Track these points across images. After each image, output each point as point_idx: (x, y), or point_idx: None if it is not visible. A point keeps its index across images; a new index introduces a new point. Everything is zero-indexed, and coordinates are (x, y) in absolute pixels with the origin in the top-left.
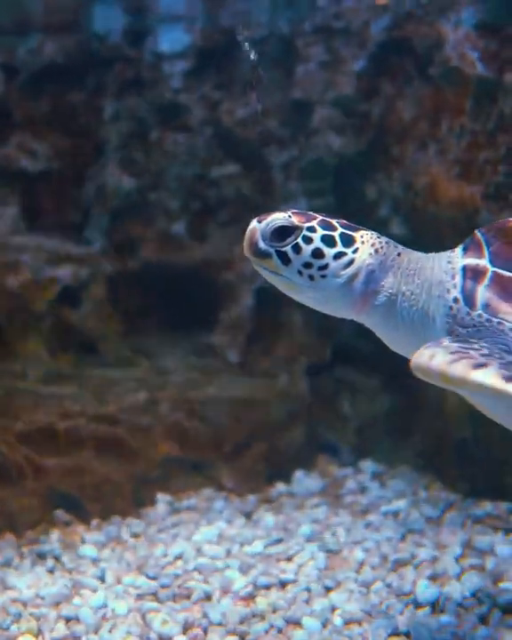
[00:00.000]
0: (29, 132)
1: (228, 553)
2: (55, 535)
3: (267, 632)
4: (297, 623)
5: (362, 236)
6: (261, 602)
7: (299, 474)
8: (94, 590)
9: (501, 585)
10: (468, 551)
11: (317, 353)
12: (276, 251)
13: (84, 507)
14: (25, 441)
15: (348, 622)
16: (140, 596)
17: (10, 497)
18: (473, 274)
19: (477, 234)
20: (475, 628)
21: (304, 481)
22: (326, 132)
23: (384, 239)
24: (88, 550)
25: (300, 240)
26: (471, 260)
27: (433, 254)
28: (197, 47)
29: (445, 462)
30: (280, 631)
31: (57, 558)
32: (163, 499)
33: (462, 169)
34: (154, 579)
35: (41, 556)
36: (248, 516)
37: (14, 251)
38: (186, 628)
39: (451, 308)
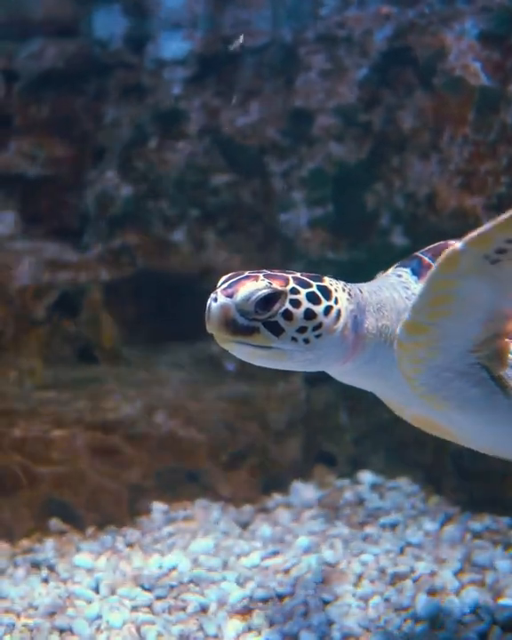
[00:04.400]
0: (29, 138)
1: (225, 564)
2: (50, 544)
3: None
4: (294, 638)
5: (331, 284)
6: (258, 615)
7: (296, 484)
8: (89, 601)
9: (501, 601)
10: (467, 566)
11: None
12: (264, 323)
13: (79, 516)
14: (20, 449)
15: (345, 637)
16: (134, 608)
17: (4, 505)
18: None
19: (425, 258)
20: None
21: (301, 491)
22: (327, 141)
23: (342, 282)
24: (83, 560)
25: (288, 305)
26: None
27: (381, 283)
28: (198, 54)
29: (444, 475)
30: None
31: (51, 568)
32: (158, 508)
33: (464, 180)
34: (149, 590)
35: (35, 566)
36: (244, 526)
37: (13, 256)
38: None
39: None
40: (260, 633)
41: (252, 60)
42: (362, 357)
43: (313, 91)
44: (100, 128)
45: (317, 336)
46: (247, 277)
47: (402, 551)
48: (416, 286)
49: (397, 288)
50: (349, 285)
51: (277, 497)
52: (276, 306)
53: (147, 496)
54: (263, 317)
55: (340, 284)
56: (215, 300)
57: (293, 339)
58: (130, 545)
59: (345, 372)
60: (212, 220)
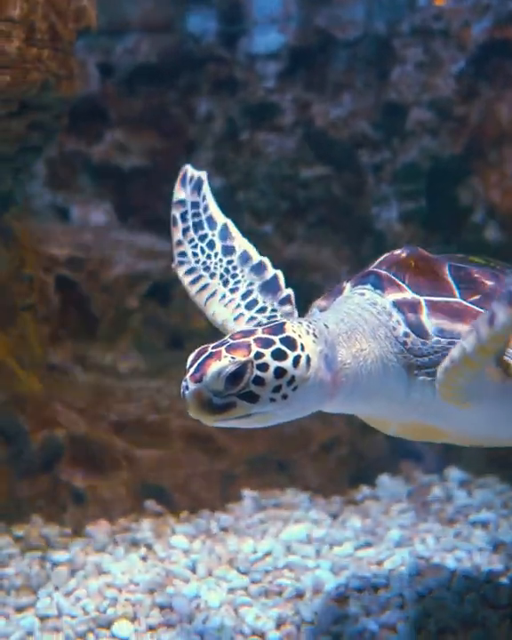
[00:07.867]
0: (123, 130)
1: (318, 553)
2: (146, 524)
3: (360, 634)
4: (392, 628)
5: (292, 330)
6: (354, 604)
7: (383, 478)
8: (186, 581)
9: None
10: None
11: None
12: (239, 395)
13: (173, 499)
14: (118, 432)
15: (442, 631)
16: (231, 590)
17: (103, 485)
18: (408, 307)
19: (380, 271)
20: None
21: (389, 485)
22: (421, 135)
23: (299, 319)
24: (179, 541)
25: (257, 372)
26: (396, 296)
27: (345, 308)
28: (291, 48)
29: None
30: (374, 635)
31: (149, 547)
32: (249, 495)
33: None
34: (245, 573)
35: (134, 544)
36: (334, 517)
37: (108, 246)
38: (279, 624)
39: (405, 342)
40: (357, 621)
41: (344, 53)
42: (346, 388)
43: (408, 84)
44: (193, 121)
45: (294, 389)
46: (210, 357)
47: (495, 549)
48: (383, 300)
49: (365, 306)
50: (313, 324)
51: (365, 489)
52: (246, 376)
53: (237, 483)
54: (236, 391)
55: (304, 326)
56: (187, 387)
57: (271, 399)
58: (223, 529)
59: (335, 405)
60: (301, 213)
